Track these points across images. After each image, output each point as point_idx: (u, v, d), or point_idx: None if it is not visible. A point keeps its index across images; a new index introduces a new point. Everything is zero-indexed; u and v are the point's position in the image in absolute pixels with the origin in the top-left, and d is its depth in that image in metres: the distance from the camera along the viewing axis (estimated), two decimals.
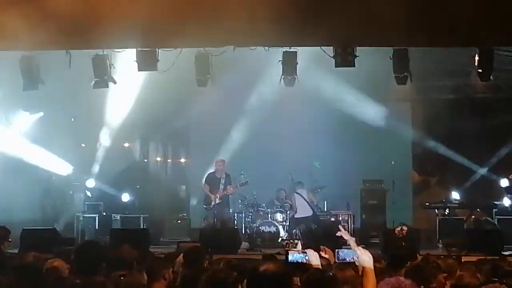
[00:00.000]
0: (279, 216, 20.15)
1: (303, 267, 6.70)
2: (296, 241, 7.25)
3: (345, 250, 7.10)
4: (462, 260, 12.67)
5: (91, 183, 21.49)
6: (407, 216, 21.03)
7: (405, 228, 17.44)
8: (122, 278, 7.42)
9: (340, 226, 7.85)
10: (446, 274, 7.82)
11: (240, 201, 20.67)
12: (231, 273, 5.76)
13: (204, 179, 20.03)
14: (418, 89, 21.01)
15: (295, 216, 20.14)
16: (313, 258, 6.94)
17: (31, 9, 14.53)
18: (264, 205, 20.43)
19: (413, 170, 22.94)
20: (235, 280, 5.57)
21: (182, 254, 8.96)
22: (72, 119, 21.60)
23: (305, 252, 6.84)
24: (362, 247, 7.10)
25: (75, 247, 8.09)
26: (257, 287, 5.27)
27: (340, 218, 20.79)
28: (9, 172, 19.68)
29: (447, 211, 20.06)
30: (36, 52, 16.39)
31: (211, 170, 20.06)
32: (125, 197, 21.92)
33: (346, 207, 21.29)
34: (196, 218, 21.90)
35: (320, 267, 6.82)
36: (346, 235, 7.47)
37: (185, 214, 22.35)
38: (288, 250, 6.94)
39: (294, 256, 6.74)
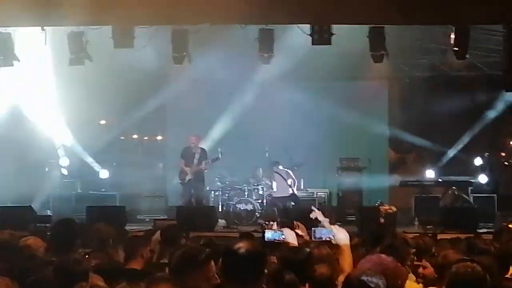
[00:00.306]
0: (255, 194, 20.16)
1: (280, 245, 6.72)
2: (271, 222, 7.28)
3: (321, 229, 7.14)
4: (438, 238, 12.76)
5: (65, 161, 21.38)
6: (383, 194, 21.11)
7: (393, 208, 17.58)
8: (87, 256, 7.42)
9: (313, 207, 7.87)
10: (414, 250, 7.87)
11: (217, 178, 20.64)
12: (203, 249, 5.76)
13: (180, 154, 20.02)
14: (394, 67, 21.04)
15: (273, 196, 20.14)
16: (290, 236, 6.96)
17: None
18: (241, 183, 20.43)
19: (389, 148, 23.03)
20: (207, 257, 5.57)
21: (159, 232, 8.95)
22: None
23: (282, 231, 6.86)
24: (338, 225, 7.15)
25: (51, 225, 8.03)
26: (232, 265, 5.26)
27: (317, 196, 20.80)
28: None
29: (423, 189, 20.18)
30: (11, 28, 16.30)
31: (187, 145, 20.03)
32: (104, 174, 21.84)
33: (323, 184, 21.33)
34: (173, 196, 21.90)
35: (297, 246, 6.84)
36: (320, 216, 7.49)
37: (161, 192, 22.29)
38: (265, 229, 6.97)
39: (270, 234, 6.76)
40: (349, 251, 7.05)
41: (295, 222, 7.82)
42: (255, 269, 5.20)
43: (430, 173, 21.04)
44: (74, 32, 16.41)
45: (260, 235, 8.28)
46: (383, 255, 5.97)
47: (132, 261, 7.63)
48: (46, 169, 21.15)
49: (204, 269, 5.54)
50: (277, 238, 6.75)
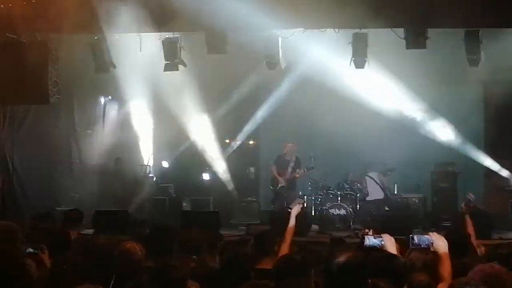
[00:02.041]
0: (348, 199, 20.03)
1: (378, 251, 6.62)
2: (366, 230, 7.20)
3: (420, 236, 7.03)
4: None
5: (165, 164, 21.70)
6: (478, 199, 20.72)
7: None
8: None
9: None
10: None
11: (309, 183, 20.60)
12: (306, 257, 5.71)
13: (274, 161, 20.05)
14: (491, 71, 20.59)
15: (367, 199, 19.99)
16: (389, 243, 6.87)
17: None
18: (333, 187, 20.33)
19: (485, 152, 22.55)
20: (310, 265, 5.51)
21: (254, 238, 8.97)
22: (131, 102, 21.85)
23: (381, 237, 6.77)
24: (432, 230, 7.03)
25: (148, 231, 8.10)
26: (336, 276, 5.13)
27: (411, 201, 20.56)
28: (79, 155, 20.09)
29: None
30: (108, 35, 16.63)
31: (281, 152, 20.04)
32: (206, 177, 22.08)
33: (417, 190, 21.06)
34: (265, 201, 21.94)
35: (396, 253, 6.75)
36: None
37: (254, 197, 22.33)
38: (364, 234, 6.89)
39: (370, 240, 6.67)
40: (448, 259, 6.94)
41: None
42: (358, 281, 5.08)
43: None
44: (169, 39, 16.62)
45: (353, 240, 8.24)
46: (495, 265, 5.84)
47: (229, 267, 7.62)
48: (141, 174, 21.44)
49: (307, 278, 5.50)
50: (376, 245, 6.66)
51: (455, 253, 7.24)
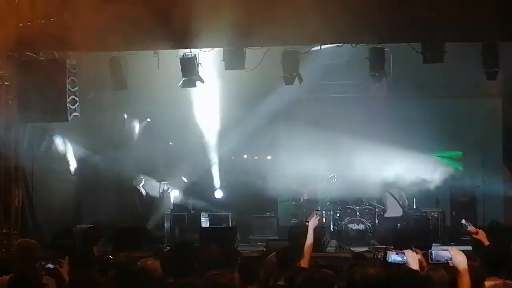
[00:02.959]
0: (367, 214, 20.00)
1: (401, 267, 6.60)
2: (388, 246, 7.19)
3: (439, 251, 7.02)
4: None
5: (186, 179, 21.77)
6: (498, 212, 20.65)
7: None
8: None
9: None
10: None
11: (327, 198, 20.58)
12: (328, 274, 5.71)
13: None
14: (509, 83, 20.55)
15: (385, 216, 19.92)
16: (411, 259, 6.86)
17: (120, 10, 14.82)
18: (352, 202, 20.31)
19: (504, 165, 22.43)
20: (333, 282, 5.50)
21: (274, 254, 8.96)
22: (148, 120, 21.95)
23: (403, 253, 6.76)
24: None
25: (169, 248, 8.13)
26: None
27: (430, 216, 20.49)
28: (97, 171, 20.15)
29: None
30: (125, 52, 16.74)
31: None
32: (218, 194, 22.07)
33: (436, 204, 20.98)
34: (284, 216, 21.95)
35: (418, 269, 6.74)
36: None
37: (272, 212, 22.31)
38: (387, 250, 6.88)
39: (393, 256, 6.66)
40: (467, 274, 6.92)
41: (413, 249, 7.71)
42: None
43: None
44: (187, 55, 16.70)
45: (372, 255, 8.22)
46: (508, 282, 5.83)
47: (249, 284, 7.64)
48: (160, 191, 21.45)
49: None
50: (399, 261, 6.64)
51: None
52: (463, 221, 12.32)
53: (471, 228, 10.65)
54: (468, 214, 20.28)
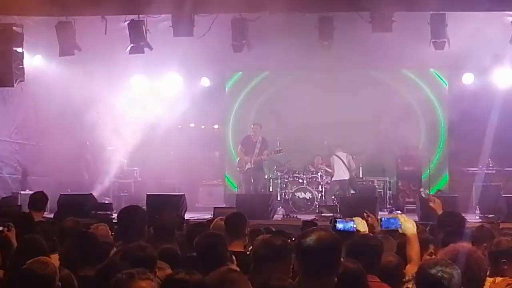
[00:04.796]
0: (314, 182, 20.10)
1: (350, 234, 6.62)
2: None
3: (389, 218, 7.10)
4: (500, 227, 12.60)
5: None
6: (443, 182, 20.91)
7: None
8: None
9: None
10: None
11: (275, 167, 20.64)
12: (287, 241, 5.71)
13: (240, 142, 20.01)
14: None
15: (332, 179, 19.98)
16: (361, 226, 6.92)
17: None
18: (299, 171, 20.38)
19: (448, 136, 22.64)
20: (291, 248, 5.48)
21: (218, 219, 8.99)
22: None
23: (353, 220, 6.80)
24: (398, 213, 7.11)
25: (119, 212, 8.03)
26: (309, 256, 4.92)
27: (376, 184, 20.68)
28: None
29: (484, 178, 19.80)
30: (72, 17, 16.46)
31: (248, 134, 19.97)
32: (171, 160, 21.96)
33: (382, 173, 21.17)
34: (230, 184, 21.99)
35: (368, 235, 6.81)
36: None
37: (220, 180, 22.32)
38: (335, 218, 6.91)
39: (342, 224, 6.68)
40: (416, 240, 7.01)
41: (365, 213, 7.77)
42: (332, 260, 4.88)
43: (491, 162, 20.61)
44: (135, 21, 16.47)
45: (320, 223, 8.22)
46: (465, 244, 5.89)
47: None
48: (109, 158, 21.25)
49: (286, 261, 5.50)
50: (349, 228, 6.66)
51: None
52: (422, 189, 12.59)
53: (429, 196, 10.84)
54: (414, 183, 20.60)
